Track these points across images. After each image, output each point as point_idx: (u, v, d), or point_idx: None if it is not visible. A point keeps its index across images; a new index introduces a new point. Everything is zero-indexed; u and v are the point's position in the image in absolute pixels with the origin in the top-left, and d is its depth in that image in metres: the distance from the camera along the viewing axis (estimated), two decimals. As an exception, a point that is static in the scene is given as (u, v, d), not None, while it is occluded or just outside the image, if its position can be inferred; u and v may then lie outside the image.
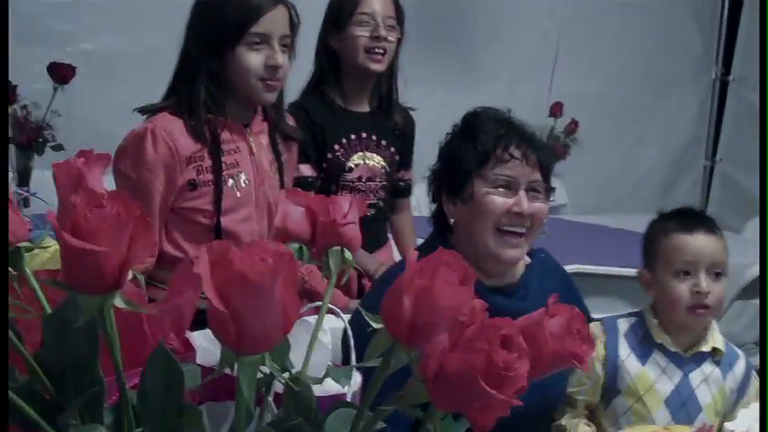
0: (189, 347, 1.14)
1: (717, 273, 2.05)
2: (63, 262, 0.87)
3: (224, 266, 0.79)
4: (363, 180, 2.77)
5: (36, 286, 0.99)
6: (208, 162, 2.25)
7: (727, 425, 1.97)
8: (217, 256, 0.79)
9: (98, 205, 0.84)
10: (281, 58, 2.27)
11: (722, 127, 6.01)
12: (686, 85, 5.91)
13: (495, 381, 0.85)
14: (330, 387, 1.13)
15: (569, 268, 3.06)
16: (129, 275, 0.88)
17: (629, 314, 2.13)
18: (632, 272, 2.19)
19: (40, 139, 3.27)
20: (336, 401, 1.05)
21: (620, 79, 5.57)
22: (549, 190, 2.03)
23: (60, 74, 3.33)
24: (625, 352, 2.04)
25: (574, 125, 4.64)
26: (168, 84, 2.33)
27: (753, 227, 4.95)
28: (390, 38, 2.75)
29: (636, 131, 5.74)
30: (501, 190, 1.96)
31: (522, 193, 1.96)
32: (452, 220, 2.02)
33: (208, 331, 1.11)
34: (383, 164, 2.81)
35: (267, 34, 2.25)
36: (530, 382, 0.88)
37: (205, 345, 1.14)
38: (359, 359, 1.73)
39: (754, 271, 3.70)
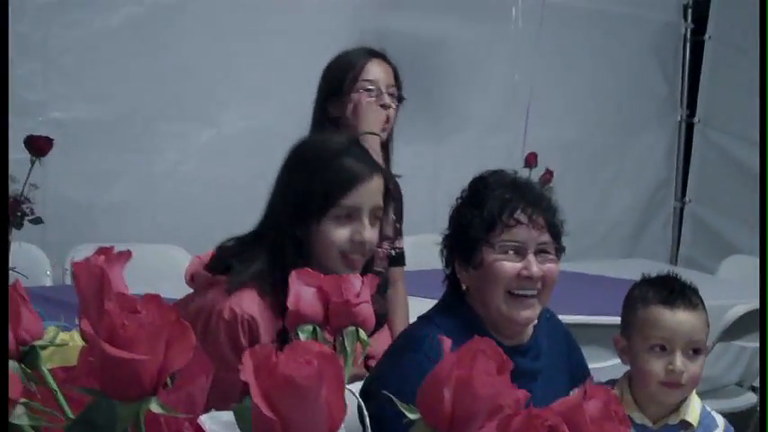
0: (202, 434, 1.12)
1: (695, 349, 2.00)
2: (98, 369, 0.85)
3: (268, 371, 0.78)
4: None
5: (55, 387, 0.97)
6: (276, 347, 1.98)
7: None
8: (260, 361, 0.78)
9: (133, 311, 0.83)
10: (368, 233, 2.02)
11: (690, 168, 6.07)
12: (653, 129, 5.95)
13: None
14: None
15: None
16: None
17: (609, 381, 2.08)
18: (611, 320, 2.15)
19: (18, 213, 3.22)
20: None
21: (588, 126, 5.60)
22: (560, 249, 2.04)
23: (38, 146, 3.28)
24: None
25: (549, 175, 4.65)
26: (244, 242, 2.09)
27: (726, 267, 5.00)
28: (393, 106, 2.72)
29: (606, 176, 5.76)
30: (510, 254, 1.97)
31: (530, 256, 1.97)
32: (465, 286, 2.04)
33: (215, 414, 1.10)
34: None
35: (357, 207, 2.02)
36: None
37: (214, 428, 1.13)
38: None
39: (734, 312, 3.70)
